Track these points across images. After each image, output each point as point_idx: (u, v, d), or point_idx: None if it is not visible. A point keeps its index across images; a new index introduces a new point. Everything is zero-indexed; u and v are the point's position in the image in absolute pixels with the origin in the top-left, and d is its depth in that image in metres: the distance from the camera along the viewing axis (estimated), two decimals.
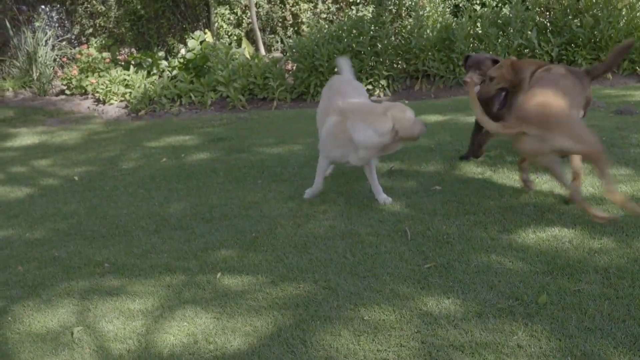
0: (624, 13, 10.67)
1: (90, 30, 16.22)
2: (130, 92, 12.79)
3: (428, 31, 11.58)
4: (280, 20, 15.48)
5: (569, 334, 3.29)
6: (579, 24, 10.77)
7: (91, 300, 4.23)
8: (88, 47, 14.06)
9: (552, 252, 4.22)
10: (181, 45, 14.96)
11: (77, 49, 14.69)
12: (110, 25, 16.23)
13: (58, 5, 16.36)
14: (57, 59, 14.59)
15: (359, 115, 5.08)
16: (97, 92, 13.04)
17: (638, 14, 10.76)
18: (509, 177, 5.75)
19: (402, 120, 4.99)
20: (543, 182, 5.54)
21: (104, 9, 16.03)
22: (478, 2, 13.50)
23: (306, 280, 4.19)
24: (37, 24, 15.19)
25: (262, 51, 14.16)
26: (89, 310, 4.10)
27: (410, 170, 6.34)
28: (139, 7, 15.81)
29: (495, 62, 5.78)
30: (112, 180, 7.29)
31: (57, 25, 16.50)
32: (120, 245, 5.19)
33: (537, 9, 11.32)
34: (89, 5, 16.07)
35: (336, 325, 3.59)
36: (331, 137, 5.25)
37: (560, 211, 4.89)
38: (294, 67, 12.19)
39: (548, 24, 11.13)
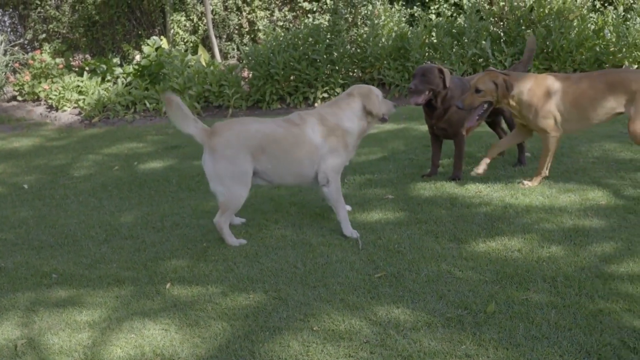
0: (575, 24, 10.89)
1: (44, 35, 15.94)
2: (84, 99, 12.60)
3: (383, 40, 11.67)
4: (237, 27, 15.43)
5: (517, 342, 3.32)
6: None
7: (37, 312, 4.13)
8: (41, 53, 13.83)
9: (502, 261, 4.26)
10: (136, 52, 14.80)
11: (30, 54, 14.41)
12: (64, 31, 15.98)
13: (11, 10, 16.06)
14: (9, 65, 14.29)
15: (332, 108, 5.08)
16: (50, 98, 12.82)
17: (589, 25, 10.99)
18: (461, 186, 5.80)
19: (370, 96, 5.07)
20: (494, 192, 5.60)
21: (57, 14, 15.79)
22: (433, 11, 13.64)
23: (256, 290, 4.16)
24: None
25: (218, 58, 14.08)
26: (34, 323, 4.01)
27: (362, 178, 6.36)
28: (93, 12, 15.62)
29: (440, 71, 5.79)
30: (62, 189, 7.16)
31: (9, 29, 16.20)
32: (69, 255, 5.09)
33: (491, 19, 11.49)
34: (42, 10, 15.82)
35: (285, 336, 3.57)
36: (338, 147, 5.00)
37: (510, 220, 4.95)
38: (250, 75, 12.16)
39: (502, 34, 11.30)
